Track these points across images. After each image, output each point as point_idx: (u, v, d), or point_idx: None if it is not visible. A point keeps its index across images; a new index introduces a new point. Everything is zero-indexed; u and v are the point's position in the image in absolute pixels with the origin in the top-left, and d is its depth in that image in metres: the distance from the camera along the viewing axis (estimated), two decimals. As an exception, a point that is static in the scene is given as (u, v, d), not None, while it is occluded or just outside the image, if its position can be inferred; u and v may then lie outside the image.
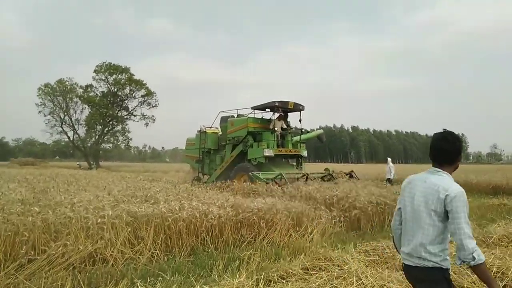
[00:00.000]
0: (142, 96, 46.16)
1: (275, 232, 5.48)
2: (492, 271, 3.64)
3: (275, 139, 13.16)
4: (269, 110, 13.74)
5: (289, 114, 14.27)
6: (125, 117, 47.06)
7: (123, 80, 44.81)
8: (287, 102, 13.20)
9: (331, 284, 3.18)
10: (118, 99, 46.33)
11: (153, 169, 33.80)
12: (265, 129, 13.43)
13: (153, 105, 46.63)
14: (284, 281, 3.50)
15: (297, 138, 14.09)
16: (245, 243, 5.22)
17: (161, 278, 3.70)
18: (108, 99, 45.28)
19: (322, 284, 3.22)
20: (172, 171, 28.76)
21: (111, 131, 46.85)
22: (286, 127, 13.93)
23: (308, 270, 3.76)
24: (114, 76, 44.73)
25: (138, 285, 3.11)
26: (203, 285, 3.21)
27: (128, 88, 45.73)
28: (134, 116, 46.92)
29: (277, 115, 13.63)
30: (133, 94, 46.31)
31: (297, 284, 3.31)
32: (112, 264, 4.20)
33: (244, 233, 5.40)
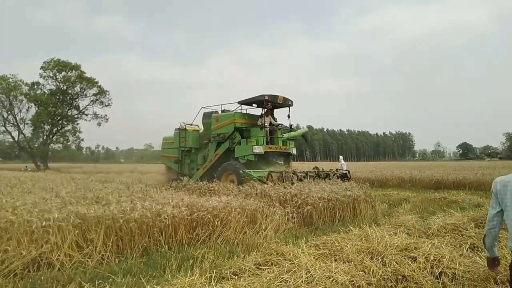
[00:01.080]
0: (94, 94, 44.28)
1: (230, 230, 5.54)
2: (429, 259, 3.92)
3: (265, 135, 12.34)
4: (256, 105, 13.04)
5: (274, 110, 13.45)
6: (76, 116, 44.89)
7: (73, 78, 42.70)
8: (276, 96, 12.44)
9: (282, 278, 3.29)
10: (68, 98, 44.07)
11: (107, 170, 32.53)
12: (253, 125, 12.52)
13: (106, 104, 44.91)
14: (237, 278, 3.56)
15: (286, 134, 13.35)
16: (199, 242, 5.22)
17: (112, 281, 3.62)
18: (57, 97, 42.91)
19: (273, 278, 3.31)
20: (127, 171, 27.90)
21: (60, 131, 44.46)
22: (274, 122, 13.18)
23: (260, 265, 3.85)
24: (63, 73, 42.51)
25: (86, 289, 3.02)
26: (155, 285, 3.18)
27: (78, 86, 43.64)
28: (86, 115, 44.92)
29: (265, 110, 12.81)
30: (84, 93, 44.32)
31: (249, 280, 3.37)
32: (59, 268, 4.04)
33: (199, 232, 5.39)
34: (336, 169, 12.66)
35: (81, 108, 44.96)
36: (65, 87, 43.29)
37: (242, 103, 12.74)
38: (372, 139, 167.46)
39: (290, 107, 13.05)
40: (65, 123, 44.29)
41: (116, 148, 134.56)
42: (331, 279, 3.24)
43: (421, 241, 4.44)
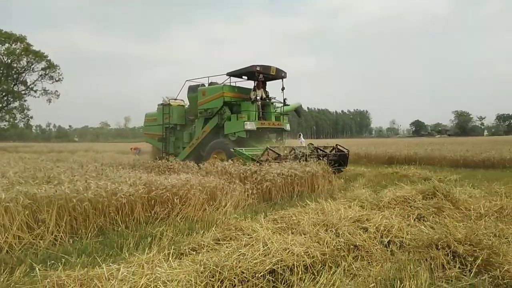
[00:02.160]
0: (42, 69, 41.48)
1: (189, 207, 5.52)
2: (379, 230, 4.15)
3: (257, 110, 11.44)
4: (246, 77, 12.08)
5: (267, 82, 12.49)
6: (23, 92, 42.03)
7: (18, 50, 39.63)
8: (268, 67, 11.52)
9: (239, 252, 3.34)
10: (14, 72, 41.04)
11: (59, 149, 31.06)
12: (243, 98, 11.63)
13: (56, 79, 42.29)
14: (195, 253, 3.58)
15: (279, 109, 12.47)
16: (158, 220, 5.17)
17: (65, 261, 3.51)
18: (0, 71, 39.84)
19: (231, 252, 3.36)
20: (81, 151, 26.82)
21: (6, 108, 41.53)
22: (266, 96, 12.21)
23: (219, 240, 3.89)
24: (7, 45, 39.33)
25: (38, 269, 2.91)
26: (111, 264, 3.12)
27: (25, 59, 40.67)
28: (34, 91, 42.14)
29: (257, 82, 11.81)
30: (32, 67, 41.38)
31: (207, 255, 3.40)
32: (7, 251, 3.86)
33: (157, 210, 5.34)
34: (333, 148, 11.54)
35: (28, 84, 42.12)
36: (9, 61, 40.21)
37: (231, 74, 11.74)
38: (331, 116, 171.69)
39: (284, 79, 12.19)
40: (11, 99, 41.42)
41: (70, 126, 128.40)
42: (287, 250, 3.34)
43: (373, 213, 4.68)
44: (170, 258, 3.17)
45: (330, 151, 11.15)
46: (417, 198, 5.65)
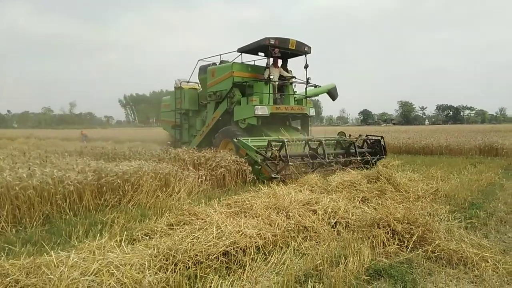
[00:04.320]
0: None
1: (142, 194, 5.44)
2: (327, 212, 4.39)
3: (271, 92, 9.64)
4: (262, 54, 10.20)
5: (289, 60, 10.68)
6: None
7: None
8: (286, 40, 9.56)
9: (193, 235, 3.39)
10: None
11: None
12: (257, 79, 9.85)
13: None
14: (148, 238, 3.58)
15: (301, 92, 10.67)
16: (108, 207, 5.05)
17: (9, 250, 3.36)
18: None
19: (185, 236, 3.40)
20: (21, 137, 25.07)
21: None
22: (286, 76, 10.31)
23: (173, 225, 3.90)
24: None
25: (-23, 260, 2.76)
26: (60, 251, 3.03)
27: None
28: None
29: (271, 59, 9.85)
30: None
31: (161, 239, 3.42)
32: None
33: (107, 197, 5.21)
34: (363, 139, 9.47)
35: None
36: None
37: (242, 50, 10.03)
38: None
39: (307, 55, 10.22)
40: None
41: (8, 111, 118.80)
42: (240, 233, 3.45)
43: (321, 196, 4.92)
44: (122, 244, 3.14)
45: (362, 145, 9.31)
46: (362, 182, 6.01)
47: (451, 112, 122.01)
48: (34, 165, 5.50)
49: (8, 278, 2.47)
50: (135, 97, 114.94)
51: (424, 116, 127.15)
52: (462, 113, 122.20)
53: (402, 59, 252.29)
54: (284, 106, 9.88)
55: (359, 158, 8.37)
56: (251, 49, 9.96)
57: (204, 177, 6.62)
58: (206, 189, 6.44)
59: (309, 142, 8.06)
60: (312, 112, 10.68)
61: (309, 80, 10.36)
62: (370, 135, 9.87)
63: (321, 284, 2.77)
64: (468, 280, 3.05)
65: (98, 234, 3.79)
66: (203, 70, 11.19)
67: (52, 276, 2.43)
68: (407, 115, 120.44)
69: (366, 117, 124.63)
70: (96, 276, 2.44)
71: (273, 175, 6.69)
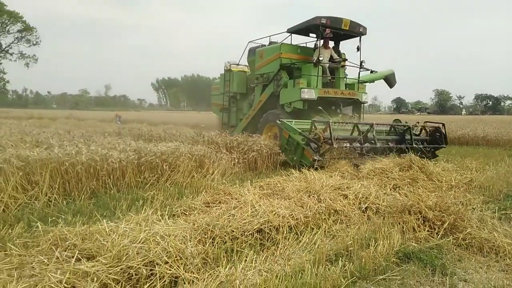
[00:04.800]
0: (18, 31, 39.79)
1: (178, 174, 5.71)
2: (358, 197, 4.47)
3: (320, 74, 9.14)
4: (314, 35, 9.64)
5: (341, 42, 10.19)
6: (-2, 55, 40.40)
7: (-9, 10, 37.79)
8: (339, 20, 8.98)
9: (229, 213, 3.59)
10: (-14, 33, 39.23)
11: (38, 115, 30.32)
12: (306, 61, 9.34)
13: (34, 42, 40.75)
14: (187, 214, 3.81)
15: (354, 76, 10.01)
16: (148, 185, 5.36)
17: (64, 218, 3.69)
18: (-27, 31, 38.02)
19: (221, 213, 3.61)
20: (61, 117, 26.32)
21: (-21, 70, 40.01)
22: (337, 58, 9.80)
23: (209, 204, 4.12)
24: (-22, 4, 37.40)
25: (39, 225, 3.07)
26: (109, 221, 3.31)
27: (-1, 20, 38.84)
28: (10, 54, 40.54)
29: (322, 41, 9.36)
30: (7, 29, 39.59)
31: (199, 216, 3.64)
32: (4, 210, 4.00)
33: (147, 175, 5.51)
34: (421, 126, 8.86)
35: (4, 47, 40.41)
36: (-19, 21, 38.35)
37: (292, 31, 9.60)
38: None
39: (362, 36, 9.56)
40: (-15, 62, 39.84)
41: (48, 92, 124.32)
42: (274, 213, 3.61)
43: (352, 182, 4.99)
44: (165, 217, 3.38)
45: (419, 132, 8.82)
46: (394, 170, 6.00)
47: (490, 102, 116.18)
48: (79, 143, 5.90)
49: (67, 242, 2.76)
50: (167, 81, 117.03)
51: (461, 106, 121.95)
52: (502, 103, 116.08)
53: (440, 46, 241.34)
54: (333, 90, 9.35)
55: (416, 145, 7.70)
56: (301, 29, 9.53)
57: (236, 160, 6.82)
58: (238, 172, 6.65)
59: (358, 125, 7.55)
60: (364, 97, 10.11)
61: (362, 64, 9.69)
62: (430, 122, 9.15)
63: (351, 264, 2.90)
64: (498, 268, 3.08)
65: (141, 209, 4.09)
66: (252, 52, 10.84)
67: (105, 242, 2.69)
68: (443, 104, 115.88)
69: (399, 106, 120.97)
70: (143, 244, 2.67)
71: (315, 157, 6.40)
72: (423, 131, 8.80)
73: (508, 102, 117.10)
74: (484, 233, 3.54)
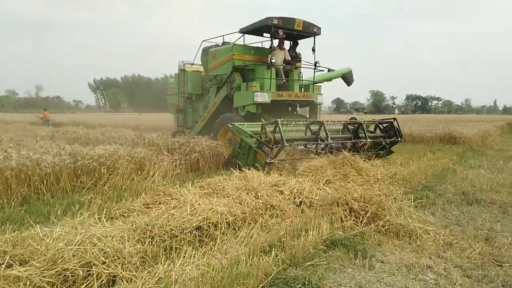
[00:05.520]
0: None
1: (117, 177, 5.64)
2: (293, 192, 4.76)
3: (274, 77, 8.98)
4: (268, 35, 9.31)
5: (299, 42, 10.11)
6: None
7: None
8: (291, 20, 8.84)
9: (169, 213, 3.68)
10: None
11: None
12: (259, 63, 9.20)
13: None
14: (126, 216, 3.83)
15: (310, 77, 9.96)
16: (85, 189, 5.23)
17: (-10, 228, 3.52)
18: None
19: (160, 213, 3.68)
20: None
21: None
22: (292, 59, 9.68)
23: (148, 205, 4.16)
24: None
25: (-38, 235, 2.93)
26: (43, 227, 3.23)
27: None
28: None
29: (277, 41, 9.24)
30: None
31: (138, 217, 3.68)
32: None
33: (83, 179, 5.37)
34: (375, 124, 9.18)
35: None
36: None
37: (244, 31, 9.36)
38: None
39: (316, 36, 9.48)
40: None
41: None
42: (212, 210, 3.76)
43: (289, 179, 5.29)
44: (103, 219, 3.38)
45: (374, 130, 9.14)
46: (328, 167, 6.42)
47: (419, 102, 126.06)
48: (7, 148, 5.58)
49: (-4, 250, 2.68)
50: (106, 81, 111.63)
51: (394, 106, 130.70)
52: (430, 103, 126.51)
53: (375, 49, 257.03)
54: (287, 93, 9.20)
55: (369, 140, 7.98)
56: (254, 30, 9.32)
57: (178, 162, 6.86)
58: (180, 173, 6.69)
59: (310, 125, 7.62)
60: (320, 99, 10.06)
61: (317, 64, 9.61)
62: (382, 119, 9.38)
63: (283, 253, 3.14)
64: (411, 249, 3.51)
65: (77, 213, 4.01)
66: (205, 52, 10.53)
67: (39, 247, 2.66)
68: (378, 105, 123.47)
69: (338, 106, 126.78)
70: (80, 246, 2.68)
71: (268, 160, 6.38)
72: (377, 128, 9.14)
73: (434, 102, 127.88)
74: (401, 220, 3.99)
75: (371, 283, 2.80)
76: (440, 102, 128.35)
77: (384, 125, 9.07)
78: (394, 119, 9.10)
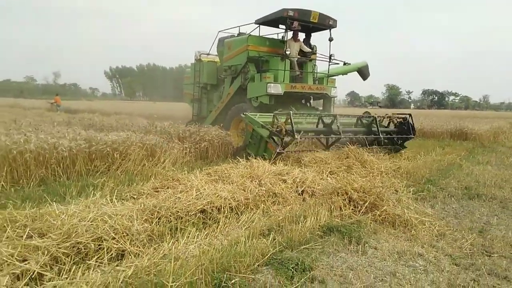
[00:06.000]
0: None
1: (129, 162, 5.90)
2: (296, 181, 4.94)
3: (288, 69, 9.08)
4: (283, 26, 9.33)
5: (312, 34, 10.12)
6: None
7: None
8: (307, 12, 8.90)
9: (176, 196, 3.90)
10: None
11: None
12: (274, 54, 9.32)
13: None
14: (136, 198, 4.07)
15: (324, 70, 9.97)
16: (98, 173, 5.51)
17: (12, 204, 3.80)
18: None
19: (168, 196, 3.90)
20: (5, 106, 24.94)
21: None
22: (307, 52, 9.73)
23: (157, 189, 4.40)
24: None
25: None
26: (60, 205, 3.48)
27: None
28: None
29: (291, 33, 9.26)
30: None
31: (147, 199, 3.91)
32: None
33: (97, 164, 5.65)
34: (389, 117, 9.18)
35: None
36: None
37: (260, 22, 9.36)
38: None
39: (332, 29, 9.52)
40: None
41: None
42: (216, 195, 3.97)
43: (293, 169, 5.47)
44: (114, 200, 3.62)
45: (388, 124, 9.15)
46: (332, 159, 6.56)
47: (436, 97, 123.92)
48: (27, 132, 5.90)
49: (17, 223, 2.94)
50: (121, 69, 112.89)
51: (410, 100, 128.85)
52: (447, 99, 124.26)
53: (391, 42, 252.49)
54: (301, 85, 9.29)
55: (381, 137, 8.05)
56: (270, 21, 9.33)
57: (188, 150, 7.09)
58: (189, 161, 6.93)
59: (323, 117, 7.68)
60: (334, 92, 10.09)
61: (332, 57, 9.69)
62: (397, 114, 9.34)
63: (280, 236, 3.33)
64: (405, 238, 3.66)
65: (91, 194, 4.28)
66: (221, 42, 10.66)
67: (55, 222, 2.91)
68: (393, 99, 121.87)
69: (353, 99, 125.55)
70: (92, 222, 2.93)
71: (278, 150, 6.44)
72: (391, 123, 9.12)
73: (451, 97, 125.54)
74: (398, 210, 4.13)
75: (362, 267, 2.98)
76: (458, 98, 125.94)
77: (398, 120, 9.05)
78: (410, 114, 9.09)
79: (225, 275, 2.55)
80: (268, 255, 2.91)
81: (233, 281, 2.50)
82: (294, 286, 2.58)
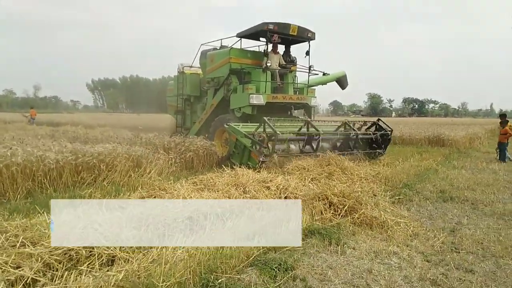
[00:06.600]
0: None
1: (116, 173, 5.99)
2: (279, 188, 5.13)
3: (269, 80, 9.45)
4: (264, 39, 9.62)
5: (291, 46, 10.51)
6: None
7: None
8: (287, 26, 9.28)
9: (163, 204, 4.04)
10: None
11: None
12: (255, 66, 9.65)
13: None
14: (123, 208, 4.18)
15: (304, 80, 10.36)
16: (85, 184, 5.59)
17: None
18: None
19: (155, 205, 4.03)
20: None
21: None
22: (286, 63, 10.15)
23: (144, 198, 4.52)
24: None
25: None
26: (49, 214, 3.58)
27: None
28: None
29: (271, 45, 9.58)
30: None
31: (134, 209, 4.02)
32: None
33: (84, 175, 5.73)
34: (374, 124, 9.77)
35: None
36: None
37: (241, 35, 9.71)
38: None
39: (311, 41, 9.91)
40: None
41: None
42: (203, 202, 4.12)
43: (276, 176, 5.66)
44: (103, 210, 3.73)
45: (368, 128, 9.67)
46: (314, 166, 6.79)
47: (416, 105, 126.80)
48: (12, 145, 5.93)
49: (8, 233, 3.03)
50: (104, 81, 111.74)
51: (391, 109, 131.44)
52: (426, 106, 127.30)
53: (373, 53, 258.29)
54: (282, 95, 9.60)
55: (359, 132, 8.90)
56: (251, 34, 9.65)
57: (173, 160, 7.22)
58: (175, 171, 7.05)
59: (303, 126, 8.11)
60: (313, 101, 10.47)
61: (311, 68, 10.05)
62: (365, 121, 10.06)
63: (264, 240, 3.50)
64: (381, 238, 3.89)
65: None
66: (204, 55, 10.96)
67: (46, 231, 3.02)
68: (375, 107, 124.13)
69: (336, 108, 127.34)
70: (83, 230, 3.04)
71: (261, 159, 6.67)
72: (363, 128, 9.71)
73: (431, 105, 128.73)
74: (375, 213, 4.37)
75: (341, 265, 3.18)
76: (437, 106, 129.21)
77: (368, 124, 9.77)
78: (378, 119, 9.88)
79: (212, 276, 2.70)
80: (253, 257, 3.08)
81: (219, 280, 2.66)
82: (277, 284, 2.76)
